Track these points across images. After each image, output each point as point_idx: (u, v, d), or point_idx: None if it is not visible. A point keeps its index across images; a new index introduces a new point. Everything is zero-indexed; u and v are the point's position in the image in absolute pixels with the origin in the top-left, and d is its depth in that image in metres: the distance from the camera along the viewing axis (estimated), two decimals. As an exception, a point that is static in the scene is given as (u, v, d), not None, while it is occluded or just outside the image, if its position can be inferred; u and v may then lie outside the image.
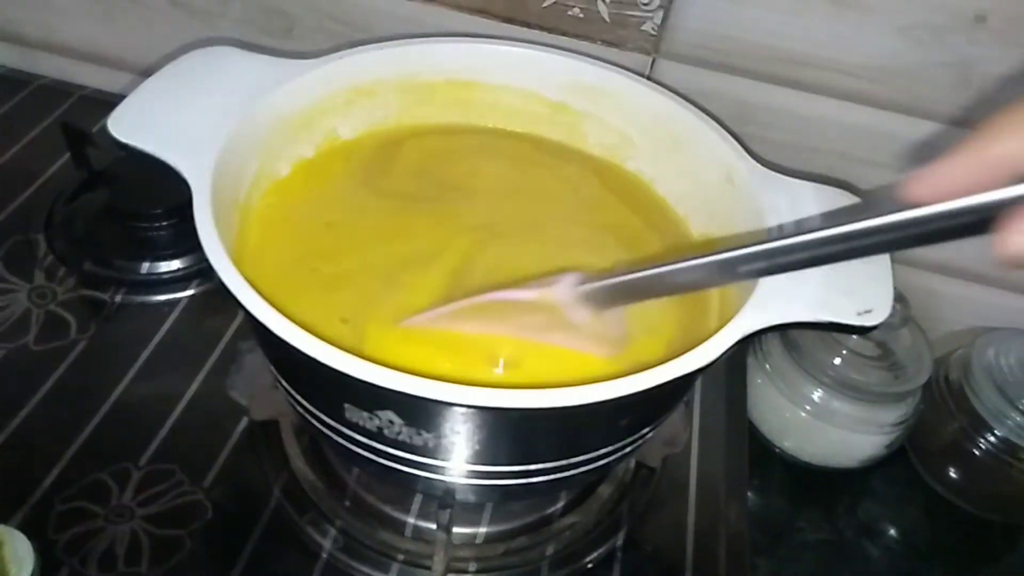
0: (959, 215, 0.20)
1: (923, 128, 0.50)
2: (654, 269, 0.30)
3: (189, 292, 0.52)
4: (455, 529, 0.41)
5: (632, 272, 0.31)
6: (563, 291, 0.33)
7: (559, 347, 0.34)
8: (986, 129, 0.20)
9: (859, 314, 0.34)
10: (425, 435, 0.32)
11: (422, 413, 0.31)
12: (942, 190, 0.20)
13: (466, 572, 0.42)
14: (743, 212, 0.39)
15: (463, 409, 0.29)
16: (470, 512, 0.43)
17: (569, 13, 0.51)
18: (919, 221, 0.21)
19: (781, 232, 0.26)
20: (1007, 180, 0.19)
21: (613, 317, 0.34)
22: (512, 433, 0.34)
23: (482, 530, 0.43)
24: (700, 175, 0.43)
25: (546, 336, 0.34)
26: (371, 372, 0.28)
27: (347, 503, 0.43)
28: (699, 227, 0.44)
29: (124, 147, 0.36)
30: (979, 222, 0.19)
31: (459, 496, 0.39)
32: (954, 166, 0.20)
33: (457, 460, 0.34)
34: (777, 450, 0.54)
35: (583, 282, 0.33)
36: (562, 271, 0.34)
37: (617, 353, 0.35)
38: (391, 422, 0.32)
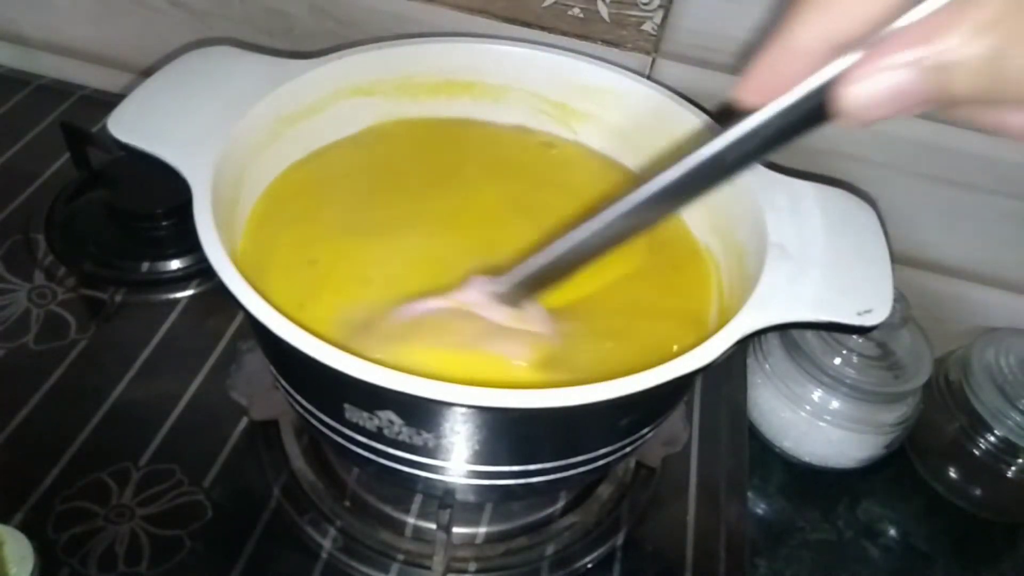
0: (794, 108, 0.20)
1: (923, 128, 0.50)
2: (550, 249, 0.29)
3: (189, 292, 0.52)
4: (455, 529, 0.41)
5: (534, 258, 0.30)
6: (475, 294, 0.33)
7: (491, 354, 0.34)
8: (790, 15, 0.20)
9: (859, 314, 0.34)
10: (425, 435, 0.32)
11: (422, 413, 0.31)
12: (770, 89, 0.20)
13: (466, 572, 0.42)
14: (743, 212, 0.39)
15: (463, 409, 0.29)
16: (470, 512, 0.43)
17: (569, 13, 0.51)
18: (761, 127, 0.20)
19: (646, 176, 0.25)
20: (825, 57, 0.19)
21: (536, 315, 0.33)
22: (512, 433, 0.34)
23: (482, 530, 0.43)
24: (700, 175, 0.43)
25: (478, 344, 0.33)
26: (371, 372, 0.28)
27: (347, 503, 0.43)
28: (698, 227, 0.44)
29: (124, 147, 0.36)
30: (817, 107, 0.19)
31: (459, 496, 0.39)
32: (771, 62, 0.20)
33: (457, 460, 0.34)
34: (777, 450, 0.54)
35: (494, 282, 0.32)
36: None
37: (548, 350, 0.34)
38: (391, 422, 0.32)
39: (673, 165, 0.24)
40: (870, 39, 0.18)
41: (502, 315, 0.33)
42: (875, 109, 0.18)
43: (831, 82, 0.19)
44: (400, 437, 0.33)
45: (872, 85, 0.18)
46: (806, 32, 0.19)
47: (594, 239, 0.28)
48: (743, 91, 0.21)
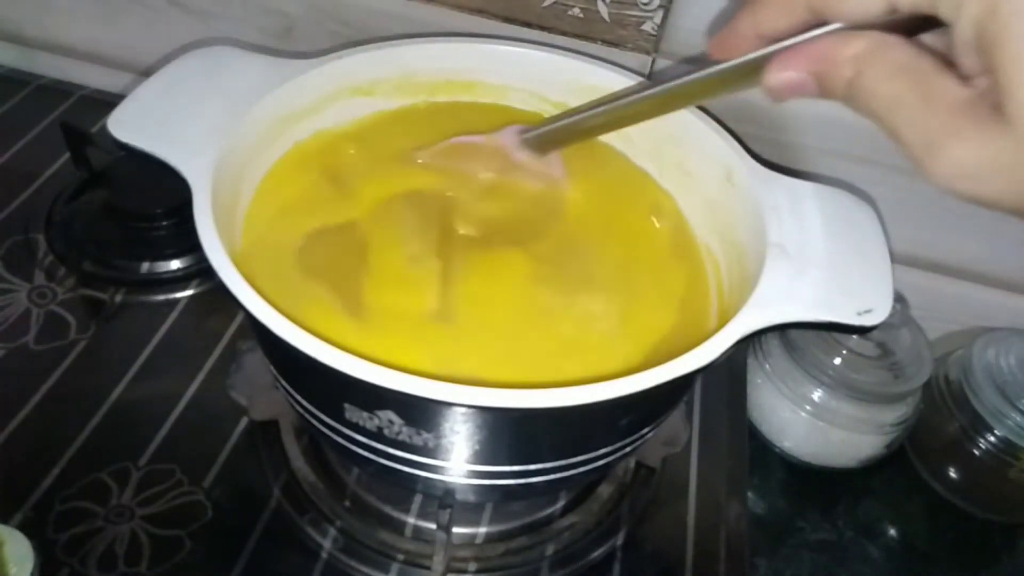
0: (742, 66, 0.28)
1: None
2: (577, 116, 0.38)
3: (189, 292, 0.52)
4: (455, 529, 0.41)
5: (561, 120, 0.39)
6: (507, 136, 0.41)
7: (508, 180, 0.43)
8: (738, 13, 0.28)
9: (859, 314, 0.34)
10: (425, 435, 0.32)
11: (422, 413, 0.31)
12: (724, 53, 0.29)
13: (466, 572, 0.42)
14: (743, 212, 0.39)
15: (463, 409, 0.29)
16: (470, 512, 0.43)
17: (569, 13, 0.51)
18: (719, 71, 0.30)
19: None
20: (755, 43, 0.28)
21: (553, 160, 0.42)
22: (512, 433, 0.34)
23: (482, 530, 0.43)
24: (700, 175, 0.43)
25: (500, 174, 0.43)
26: (371, 372, 0.28)
27: (347, 503, 0.43)
28: (698, 227, 0.44)
29: (124, 147, 0.36)
30: (751, 73, 0.28)
31: (459, 496, 0.39)
32: (723, 37, 0.29)
33: (457, 460, 0.34)
34: (777, 450, 0.54)
35: (525, 131, 0.41)
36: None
37: (557, 186, 0.43)
38: (391, 422, 0.32)
39: (663, 82, 0.33)
40: (789, 39, 0.26)
41: (524, 156, 0.41)
42: (782, 92, 0.26)
43: (759, 60, 0.27)
44: (400, 437, 0.33)
45: (781, 76, 0.26)
46: (743, 24, 0.28)
47: (602, 119, 0.37)
48: (711, 47, 0.30)
